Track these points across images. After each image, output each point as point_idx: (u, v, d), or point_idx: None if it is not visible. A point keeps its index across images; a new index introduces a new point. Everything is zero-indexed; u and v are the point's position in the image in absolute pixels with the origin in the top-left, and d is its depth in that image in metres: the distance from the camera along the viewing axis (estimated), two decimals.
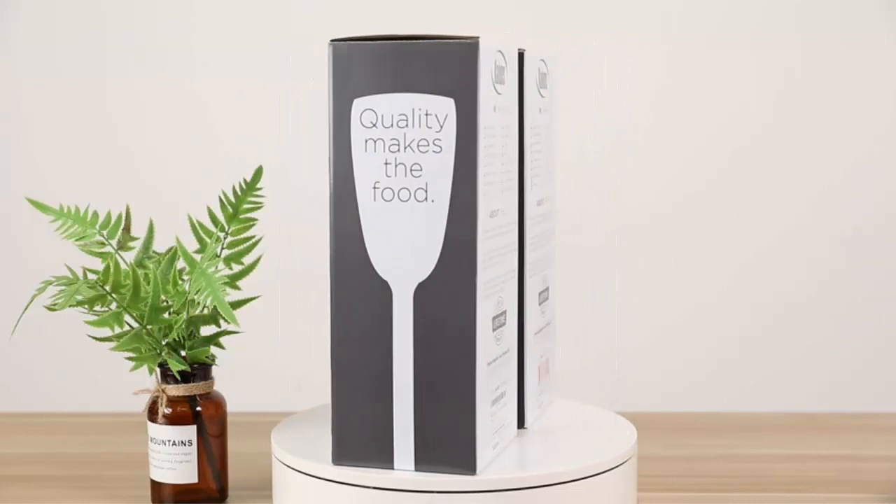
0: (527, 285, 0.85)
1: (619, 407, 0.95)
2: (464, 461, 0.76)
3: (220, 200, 0.90)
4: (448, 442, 0.76)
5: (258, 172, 0.90)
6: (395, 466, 0.77)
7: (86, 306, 0.85)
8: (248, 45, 1.37)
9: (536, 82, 0.86)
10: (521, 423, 0.86)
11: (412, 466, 0.77)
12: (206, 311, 0.86)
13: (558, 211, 0.94)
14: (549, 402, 0.93)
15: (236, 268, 0.89)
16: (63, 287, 0.84)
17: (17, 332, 0.86)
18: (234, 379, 0.96)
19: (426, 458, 0.77)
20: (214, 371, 0.88)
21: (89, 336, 0.87)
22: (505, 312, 0.80)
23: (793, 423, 1.13)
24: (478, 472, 0.76)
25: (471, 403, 0.76)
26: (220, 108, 1.38)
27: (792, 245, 1.39)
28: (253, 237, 0.90)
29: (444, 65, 0.74)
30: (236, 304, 0.87)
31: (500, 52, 0.77)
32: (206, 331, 0.88)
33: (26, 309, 0.85)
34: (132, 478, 0.94)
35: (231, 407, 0.89)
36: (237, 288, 0.88)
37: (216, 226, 0.90)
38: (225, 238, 0.90)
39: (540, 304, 0.89)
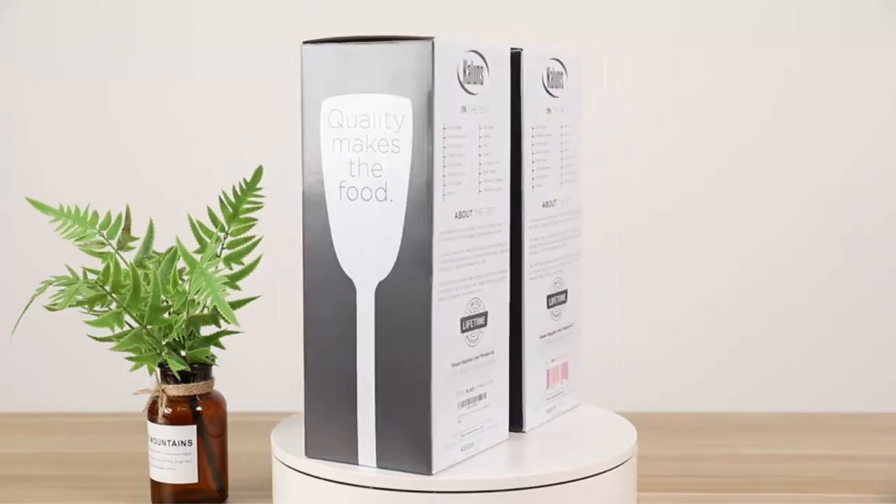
0: (526, 287, 0.85)
1: (619, 407, 0.95)
2: (419, 460, 0.76)
3: (220, 200, 0.90)
4: (406, 441, 0.76)
5: (258, 172, 0.90)
6: (360, 463, 0.78)
7: (86, 306, 0.85)
8: (247, 45, 1.37)
9: (544, 82, 0.85)
10: (519, 425, 0.86)
11: (374, 463, 0.77)
12: (206, 311, 0.86)
13: (581, 212, 0.93)
14: (571, 407, 0.92)
15: (236, 268, 0.89)
16: (63, 287, 0.84)
17: (17, 332, 0.86)
18: (234, 379, 0.96)
19: (386, 456, 0.77)
20: (214, 371, 0.88)
21: (89, 336, 0.87)
22: (485, 314, 0.80)
23: (793, 423, 1.13)
24: (434, 472, 0.76)
25: (426, 403, 0.76)
26: (219, 108, 1.38)
27: (792, 245, 1.39)
28: (253, 237, 0.90)
29: (400, 65, 0.74)
30: (236, 304, 0.87)
31: (474, 51, 0.77)
32: (206, 331, 0.88)
33: (26, 309, 0.85)
34: (132, 478, 0.94)
35: (231, 407, 0.89)
36: (237, 288, 0.88)
37: (216, 226, 0.90)
38: (225, 238, 0.90)
39: (550, 307, 0.88)
